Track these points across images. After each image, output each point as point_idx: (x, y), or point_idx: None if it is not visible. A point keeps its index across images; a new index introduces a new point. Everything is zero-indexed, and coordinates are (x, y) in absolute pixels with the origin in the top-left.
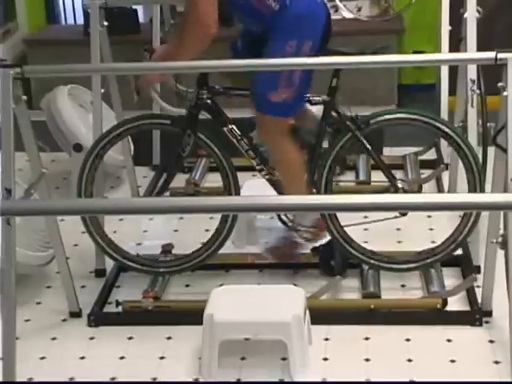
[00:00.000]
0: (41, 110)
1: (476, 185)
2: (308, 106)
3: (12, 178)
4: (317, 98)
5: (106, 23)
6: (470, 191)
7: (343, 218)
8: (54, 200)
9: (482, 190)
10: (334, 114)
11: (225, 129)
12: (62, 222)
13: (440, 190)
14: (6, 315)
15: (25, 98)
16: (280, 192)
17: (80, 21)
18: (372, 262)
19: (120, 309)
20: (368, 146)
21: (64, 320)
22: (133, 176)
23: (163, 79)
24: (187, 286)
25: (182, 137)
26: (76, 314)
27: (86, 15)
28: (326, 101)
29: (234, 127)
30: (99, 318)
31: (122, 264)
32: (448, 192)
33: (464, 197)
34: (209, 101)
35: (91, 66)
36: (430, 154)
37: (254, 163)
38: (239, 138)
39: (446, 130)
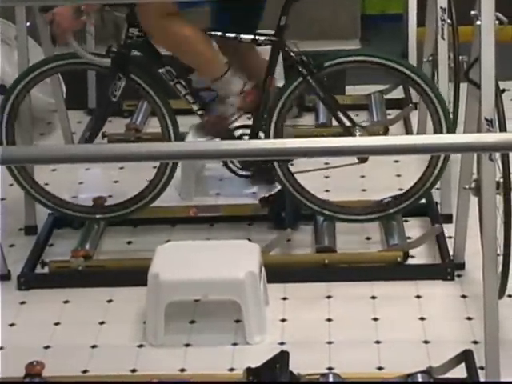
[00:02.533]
0: None
1: (442, 123)
2: (255, 46)
3: None
4: (263, 38)
5: None
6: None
7: (299, 165)
8: None
9: (452, 129)
10: (283, 55)
11: (160, 70)
12: None
13: (408, 132)
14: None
15: None
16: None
17: None
18: (326, 212)
19: (50, 270)
20: (320, 92)
21: None
22: (66, 121)
23: (80, 25)
24: (129, 243)
25: (112, 79)
26: (4, 277)
27: None
28: (274, 41)
29: (171, 69)
30: (30, 280)
31: (55, 211)
32: (418, 133)
33: (432, 138)
34: (140, 39)
35: None
36: (397, 93)
37: (194, 108)
38: (176, 80)
39: (410, 74)
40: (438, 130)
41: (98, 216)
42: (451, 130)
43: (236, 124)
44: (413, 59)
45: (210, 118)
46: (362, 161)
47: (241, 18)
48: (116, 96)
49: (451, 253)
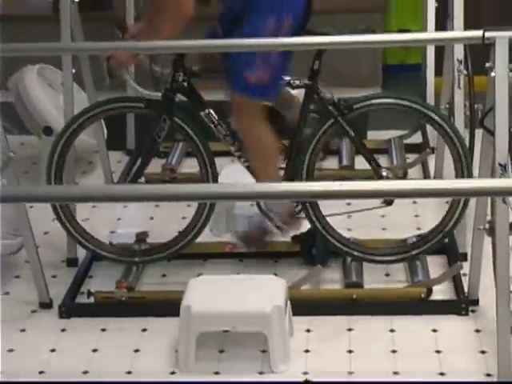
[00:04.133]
0: (7, 90)
1: (463, 170)
2: (289, 89)
3: None
4: (298, 82)
5: None
6: (457, 176)
7: (326, 205)
8: (22, 186)
9: (470, 175)
10: (316, 98)
11: (202, 113)
12: (31, 209)
13: (426, 175)
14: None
15: None
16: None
17: None
18: (355, 253)
19: (91, 299)
20: (351, 132)
21: (34, 311)
22: (106, 161)
23: (136, 61)
24: (163, 275)
25: (157, 121)
26: (46, 305)
27: None
28: (308, 84)
29: (212, 111)
30: (71, 309)
31: (94, 253)
32: (434, 177)
33: (450, 183)
34: (185, 83)
35: (61, 44)
36: (416, 138)
37: (232, 149)
38: (217, 122)
39: (432, 114)
40: (458, 165)
41: (136, 259)
42: (470, 166)
43: None
44: None
45: (255, 232)
46: (388, 203)
47: None
48: (160, 137)
49: (466, 289)
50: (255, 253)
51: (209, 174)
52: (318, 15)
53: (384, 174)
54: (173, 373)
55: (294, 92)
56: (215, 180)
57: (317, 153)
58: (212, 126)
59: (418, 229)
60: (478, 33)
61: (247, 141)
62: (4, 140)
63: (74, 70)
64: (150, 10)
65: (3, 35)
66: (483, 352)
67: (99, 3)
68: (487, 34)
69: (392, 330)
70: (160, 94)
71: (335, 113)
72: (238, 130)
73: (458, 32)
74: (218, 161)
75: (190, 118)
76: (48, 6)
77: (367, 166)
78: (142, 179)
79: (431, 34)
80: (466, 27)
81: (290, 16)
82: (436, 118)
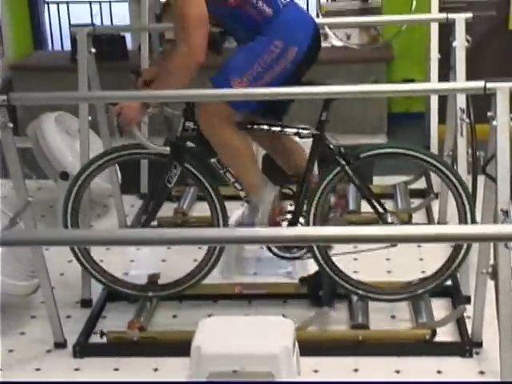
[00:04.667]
0: (27, 137)
1: (467, 215)
2: (297, 139)
3: None
4: (306, 132)
5: (93, 50)
6: (460, 221)
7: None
8: (39, 230)
9: (473, 220)
10: (323, 147)
11: (211, 160)
12: (47, 251)
13: (430, 219)
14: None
15: (11, 125)
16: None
17: (67, 47)
18: (361, 292)
19: (104, 339)
20: (357, 180)
21: (48, 351)
22: (120, 205)
23: (144, 117)
24: (174, 316)
25: (168, 168)
26: (61, 345)
27: (74, 41)
28: (315, 134)
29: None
30: (84, 348)
31: (110, 289)
32: (438, 221)
33: (453, 228)
34: (194, 132)
35: (78, 93)
36: (420, 183)
37: (241, 194)
38: (226, 169)
39: (436, 163)
40: (461, 211)
41: (150, 294)
42: (474, 212)
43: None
44: None
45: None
46: (393, 245)
47: (275, 114)
48: (171, 183)
49: (470, 332)
50: (263, 294)
51: (219, 217)
52: (326, 64)
53: (389, 218)
54: None
55: (302, 141)
56: (225, 223)
57: (324, 199)
58: (221, 172)
59: (423, 272)
60: (480, 83)
61: (216, 146)
62: (22, 184)
63: (90, 118)
64: (167, 60)
65: (24, 84)
66: None
67: (115, 54)
68: (488, 85)
69: (397, 371)
70: (168, 149)
71: (342, 162)
72: (206, 134)
73: (460, 83)
74: (229, 204)
75: (200, 163)
76: (67, 56)
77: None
78: (155, 222)
79: (434, 84)
80: (468, 78)
81: (297, 46)
82: (439, 166)
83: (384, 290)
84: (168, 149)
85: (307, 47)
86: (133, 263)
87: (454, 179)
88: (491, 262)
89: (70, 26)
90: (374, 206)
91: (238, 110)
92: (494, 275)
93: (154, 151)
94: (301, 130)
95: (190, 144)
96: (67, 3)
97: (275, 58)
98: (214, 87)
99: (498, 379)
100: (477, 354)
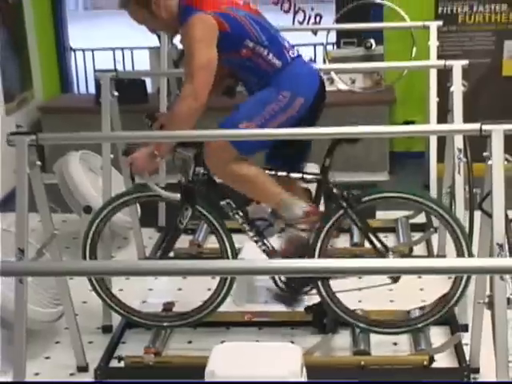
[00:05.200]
0: (53, 174)
1: (463, 252)
2: (301, 183)
3: (25, 239)
4: (310, 176)
5: (116, 93)
6: (457, 255)
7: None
8: (63, 262)
9: (470, 253)
10: (327, 191)
11: (221, 202)
12: (71, 280)
13: (430, 251)
14: (17, 368)
15: (39, 163)
16: None
17: (92, 90)
18: (361, 325)
19: (123, 364)
20: (359, 222)
21: (72, 374)
22: (139, 237)
23: (156, 167)
24: (189, 342)
25: (180, 209)
26: (83, 369)
27: (98, 85)
28: (319, 179)
29: (231, 201)
30: (105, 372)
31: (127, 319)
32: (437, 254)
33: (452, 261)
34: (205, 177)
35: (101, 134)
36: (420, 218)
37: (249, 234)
38: (235, 211)
39: (434, 206)
40: (458, 248)
41: (165, 324)
42: (470, 249)
43: None
44: (433, 190)
45: (285, 247)
46: (395, 281)
47: (290, 161)
48: (183, 223)
49: (467, 358)
50: (273, 322)
51: (228, 251)
52: (332, 107)
53: (390, 256)
54: None
55: (307, 185)
56: (234, 256)
57: (328, 240)
58: (230, 214)
59: (423, 301)
60: (476, 126)
61: (230, 182)
62: (49, 218)
63: (112, 156)
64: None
65: (51, 125)
66: None
67: (136, 97)
68: (484, 127)
69: None
70: (178, 196)
71: (345, 206)
72: (217, 175)
73: (457, 124)
74: (240, 237)
75: (209, 205)
76: (91, 99)
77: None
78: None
79: (434, 126)
80: (465, 120)
81: (304, 96)
82: (438, 209)
83: (385, 323)
84: (177, 195)
85: (313, 97)
86: (150, 292)
87: (450, 220)
88: (487, 292)
89: (95, 71)
90: (375, 246)
91: (243, 153)
92: (491, 305)
93: (166, 196)
94: (305, 175)
95: (200, 187)
96: (92, 50)
97: (283, 107)
98: (223, 124)
99: None
100: (474, 379)
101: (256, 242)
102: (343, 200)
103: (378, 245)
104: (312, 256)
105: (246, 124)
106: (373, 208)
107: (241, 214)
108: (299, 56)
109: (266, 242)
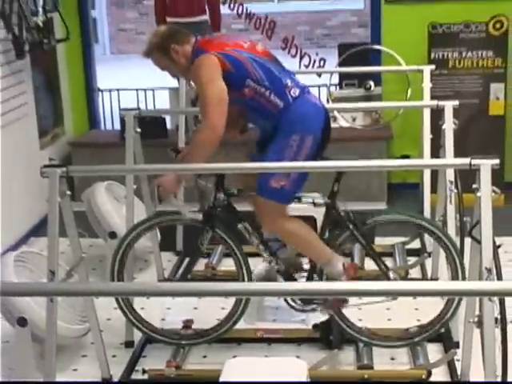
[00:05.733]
0: (82, 202)
1: (458, 271)
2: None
3: (56, 262)
4: (320, 201)
5: (138, 129)
6: (452, 277)
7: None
8: (90, 283)
9: (464, 276)
10: (334, 214)
11: (239, 225)
12: (96, 299)
13: (424, 274)
14: (47, 380)
15: (69, 193)
16: (286, 279)
17: (117, 126)
18: (366, 339)
19: (146, 376)
20: (363, 242)
21: None
22: (159, 260)
23: (180, 189)
24: (204, 356)
25: (201, 232)
26: (107, 381)
27: (123, 122)
28: (328, 203)
29: (247, 224)
30: None
31: (149, 336)
32: (431, 277)
33: (444, 284)
34: (225, 202)
35: (125, 166)
36: (415, 244)
37: (263, 255)
38: (251, 233)
39: (431, 228)
40: (453, 267)
41: (183, 342)
42: (463, 267)
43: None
44: None
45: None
46: (394, 298)
47: None
48: (203, 245)
49: (459, 372)
50: (281, 338)
51: (244, 272)
52: (335, 143)
53: (391, 274)
54: None
55: (316, 209)
56: (250, 277)
57: None
58: (247, 236)
59: (418, 320)
60: (466, 160)
61: (286, 237)
62: (77, 242)
63: (135, 186)
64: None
65: (80, 158)
66: None
67: (157, 132)
68: (473, 161)
69: None
70: (201, 216)
71: (351, 227)
72: (272, 232)
73: (449, 159)
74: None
75: (228, 228)
76: (116, 134)
77: (375, 267)
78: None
79: (427, 160)
80: (456, 154)
81: (312, 134)
82: (435, 230)
83: (386, 337)
84: (200, 215)
85: (321, 132)
86: (169, 310)
87: (447, 241)
88: (477, 312)
89: (120, 109)
90: (377, 264)
91: (284, 202)
92: (480, 324)
93: (188, 218)
94: (316, 200)
95: (220, 212)
96: (117, 90)
97: (296, 151)
98: (266, 198)
99: None
100: None
101: (270, 262)
102: (350, 222)
103: (381, 265)
104: (320, 275)
105: (275, 180)
106: (372, 235)
107: (256, 235)
108: (303, 93)
109: (279, 262)
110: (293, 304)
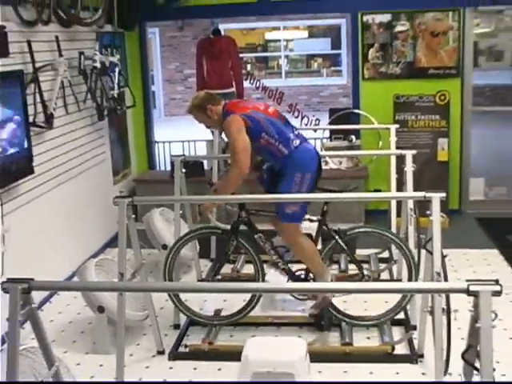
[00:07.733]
0: (142, 223)
1: (412, 274)
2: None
3: (124, 266)
4: (314, 218)
5: (184, 170)
6: (409, 278)
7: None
8: (148, 282)
9: (417, 277)
10: (324, 228)
11: (255, 236)
12: (153, 294)
13: (391, 277)
14: (118, 351)
15: (133, 216)
16: (290, 278)
17: (168, 168)
18: (348, 320)
19: (187, 350)
20: (346, 249)
21: (153, 356)
22: (198, 265)
23: (215, 207)
24: (231, 336)
25: (228, 241)
26: (161, 352)
27: (172, 165)
28: (320, 220)
29: (262, 235)
30: (175, 354)
31: (191, 320)
32: (396, 278)
33: (406, 285)
34: (246, 219)
35: (174, 197)
36: (385, 254)
37: (274, 258)
38: (265, 242)
39: (395, 239)
40: (410, 271)
41: (215, 322)
42: (417, 272)
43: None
44: None
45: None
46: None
47: None
48: (230, 251)
49: (416, 347)
50: (287, 323)
51: (260, 275)
52: (326, 179)
53: (366, 273)
54: None
55: (311, 224)
56: (263, 279)
57: (324, 263)
58: (261, 243)
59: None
60: (422, 193)
61: (296, 250)
62: (139, 252)
63: (181, 212)
64: (225, 174)
65: (142, 191)
66: None
67: (197, 172)
68: (427, 195)
69: (371, 373)
70: (229, 226)
71: (336, 237)
72: (289, 243)
73: (409, 192)
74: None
75: (248, 239)
76: (168, 174)
77: (356, 271)
78: (219, 277)
79: (394, 193)
80: (414, 189)
81: (310, 171)
82: (398, 241)
83: (363, 319)
84: (229, 226)
85: (316, 169)
86: (205, 302)
87: (406, 251)
88: (429, 304)
89: (171, 156)
90: (358, 268)
91: (298, 221)
92: (432, 313)
93: (220, 229)
94: (311, 217)
95: (242, 226)
96: (169, 142)
97: (299, 184)
98: (287, 221)
99: (433, 379)
100: (420, 362)
101: (278, 263)
102: (335, 233)
103: (360, 269)
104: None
105: (288, 208)
106: (354, 246)
107: (269, 243)
108: (302, 142)
109: (284, 263)
110: (295, 295)
